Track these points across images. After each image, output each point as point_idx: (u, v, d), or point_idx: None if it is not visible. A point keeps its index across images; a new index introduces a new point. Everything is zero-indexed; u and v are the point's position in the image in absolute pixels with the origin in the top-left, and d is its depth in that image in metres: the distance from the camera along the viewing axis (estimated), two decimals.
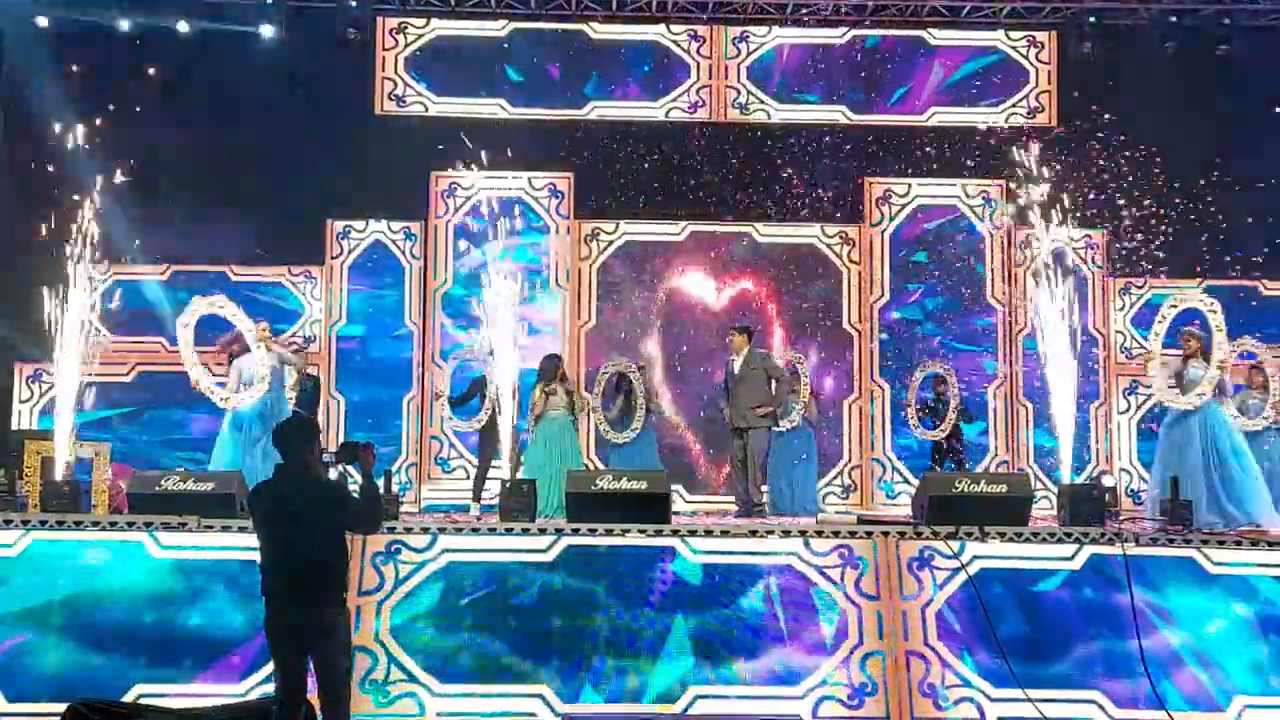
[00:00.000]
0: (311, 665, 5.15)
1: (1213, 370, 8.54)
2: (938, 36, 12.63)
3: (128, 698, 6.53)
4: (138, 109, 11.93)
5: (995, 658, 6.77)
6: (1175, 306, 8.94)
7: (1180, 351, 8.90)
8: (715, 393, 10.45)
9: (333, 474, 8.37)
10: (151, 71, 12.10)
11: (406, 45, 12.45)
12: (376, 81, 12.40)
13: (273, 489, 5.27)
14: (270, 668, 6.58)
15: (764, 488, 10.05)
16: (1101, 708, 6.64)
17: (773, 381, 9.79)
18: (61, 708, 6.18)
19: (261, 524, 5.24)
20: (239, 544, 6.99)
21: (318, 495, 5.20)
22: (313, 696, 5.31)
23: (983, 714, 6.66)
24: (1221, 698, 6.64)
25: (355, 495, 5.48)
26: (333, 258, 12.06)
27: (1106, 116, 12.02)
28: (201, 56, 12.17)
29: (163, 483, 7.62)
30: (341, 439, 11.22)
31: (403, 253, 12.13)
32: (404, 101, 12.42)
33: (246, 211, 12.00)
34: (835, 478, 11.94)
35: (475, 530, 7.35)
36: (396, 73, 12.43)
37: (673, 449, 11.65)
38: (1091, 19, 12.44)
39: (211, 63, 12.15)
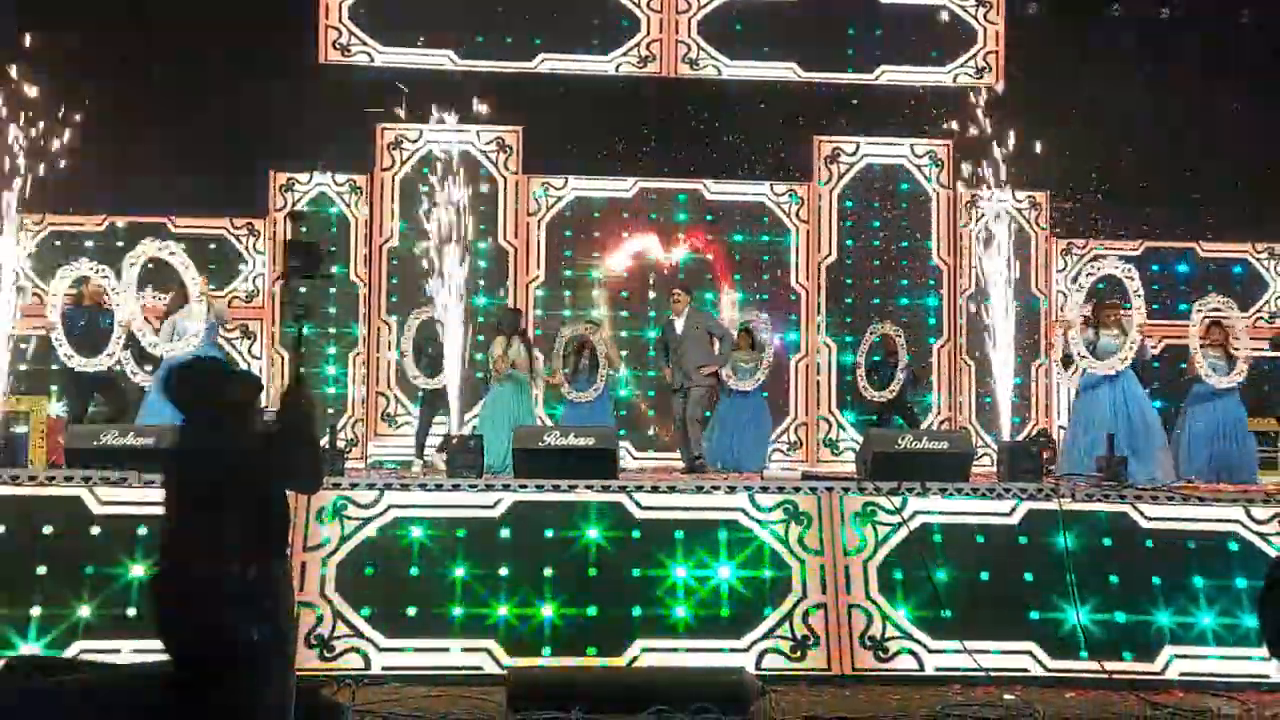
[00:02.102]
0: None
1: (1134, 334, 8.78)
2: None
3: (68, 652, 6.46)
4: (73, 52, 11.59)
5: (934, 610, 6.91)
6: (1093, 274, 9.18)
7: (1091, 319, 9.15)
8: (656, 351, 10.47)
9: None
10: (89, 15, 11.74)
11: None
12: (320, 30, 12.14)
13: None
14: None
15: (703, 443, 10.12)
16: (1036, 659, 6.81)
17: (716, 341, 9.87)
18: None
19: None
20: None
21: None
22: None
23: (921, 665, 6.80)
24: (1152, 647, 6.84)
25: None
26: (276, 210, 11.85)
27: (1051, 77, 12.13)
28: (141, 1, 11.82)
29: (101, 437, 7.51)
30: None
31: (348, 205, 11.95)
32: (348, 51, 12.18)
33: (187, 162, 11.71)
34: (781, 434, 12.05)
35: (422, 486, 7.34)
36: (340, 21, 12.18)
37: (620, 406, 11.68)
38: None
39: (151, 7, 11.80)
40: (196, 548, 4.10)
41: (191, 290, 8.79)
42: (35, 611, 6.62)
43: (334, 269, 4.60)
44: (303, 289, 4.67)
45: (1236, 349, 9.39)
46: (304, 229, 4.71)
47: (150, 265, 9.25)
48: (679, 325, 9.83)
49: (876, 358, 11.41)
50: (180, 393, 4.37)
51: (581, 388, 10.12)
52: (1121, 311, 9.12)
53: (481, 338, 11.43)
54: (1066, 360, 9.36)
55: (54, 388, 10.86)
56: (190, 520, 4.31)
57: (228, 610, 4.09)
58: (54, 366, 11.08)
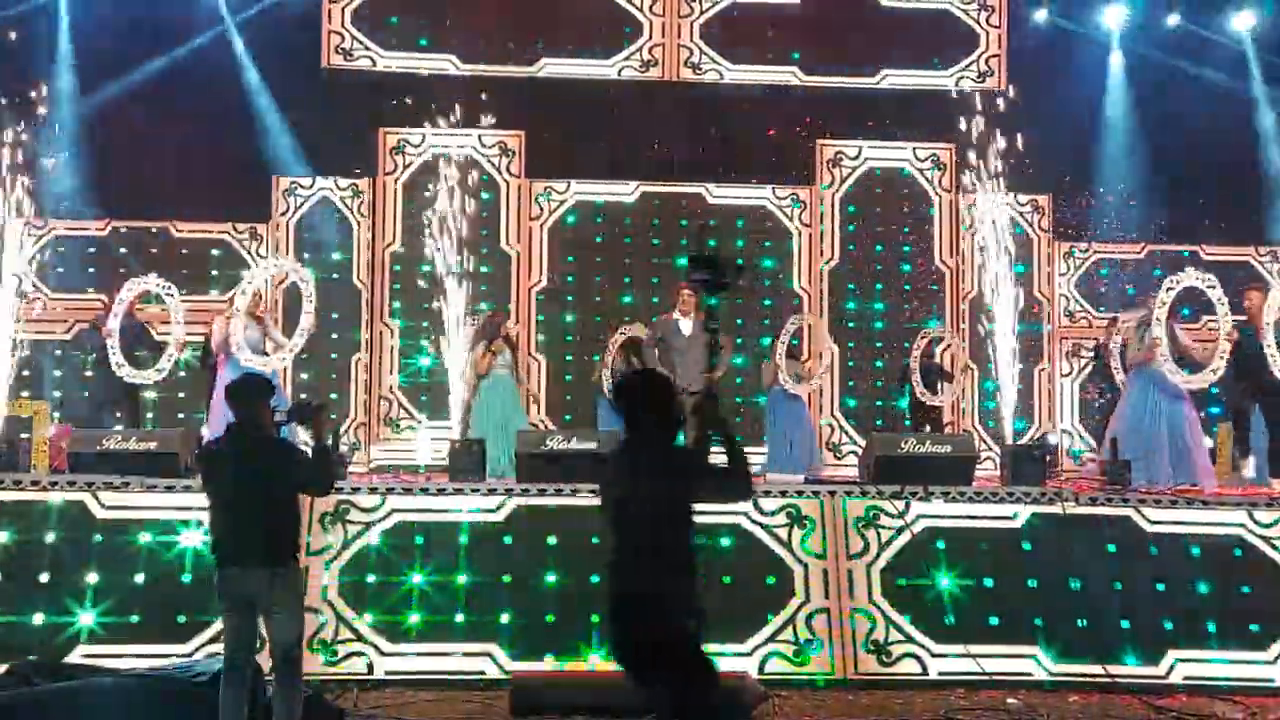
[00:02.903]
0: (263, 627, 5.06)
1: (1223, 343, 8.54)
2: None
3: (71, 657, 6.46)
4: (79, 59, 11.67)
5: (937, 614, 6.90)
6: (1173, 287, 8.68)
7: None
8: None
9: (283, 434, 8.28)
10: (95, 24, 11.79)
11: None
12: (323, 35, 12.15)
13: (223, 448, 5.20)
14: (216, 628, 6.57)
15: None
16: (1040, 662, 6.80)
17: (720, 348, 9.77)
18: None
19: (210, 483, 5.17)
20: (182, 504, 6.94)
21: (269, 455, 5.11)
22: (261, 658, 5.28)
23: (925, 669, 6.79)
24: (1156, 652, 6.83)
25: (306, 455, 5.37)
26: (280, 214, 11.87)
27: (1054, 81, 12.13)
28: (146, 7, 11.84)
29: (105, 441, 7.52)
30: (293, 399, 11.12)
31: (350, 210, 11.96)
32: (351, 56, 12.19)
33: (190, 167, 11.74)
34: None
35: (424, 490, 7.34)
36: (344, 26, 12.19)
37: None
38: None
39: (156, 14, 11.84)
40: (647, 564, 4.06)
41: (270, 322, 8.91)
42: (38, 617, 6.63)
43: (741, 280, 4.63)
44: (713, 301, 4.64)
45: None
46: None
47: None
48: (686, 326, 9.40)
49: (933, 358, 11.28)
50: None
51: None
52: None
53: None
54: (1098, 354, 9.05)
55: (56, 394, 10.87)
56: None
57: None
58: (56, 372, 11.15)
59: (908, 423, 11.40)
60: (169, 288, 8.97)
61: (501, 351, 9.58)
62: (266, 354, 8.82)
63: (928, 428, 10.66)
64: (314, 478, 5.29)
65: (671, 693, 3.95)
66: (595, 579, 6.88)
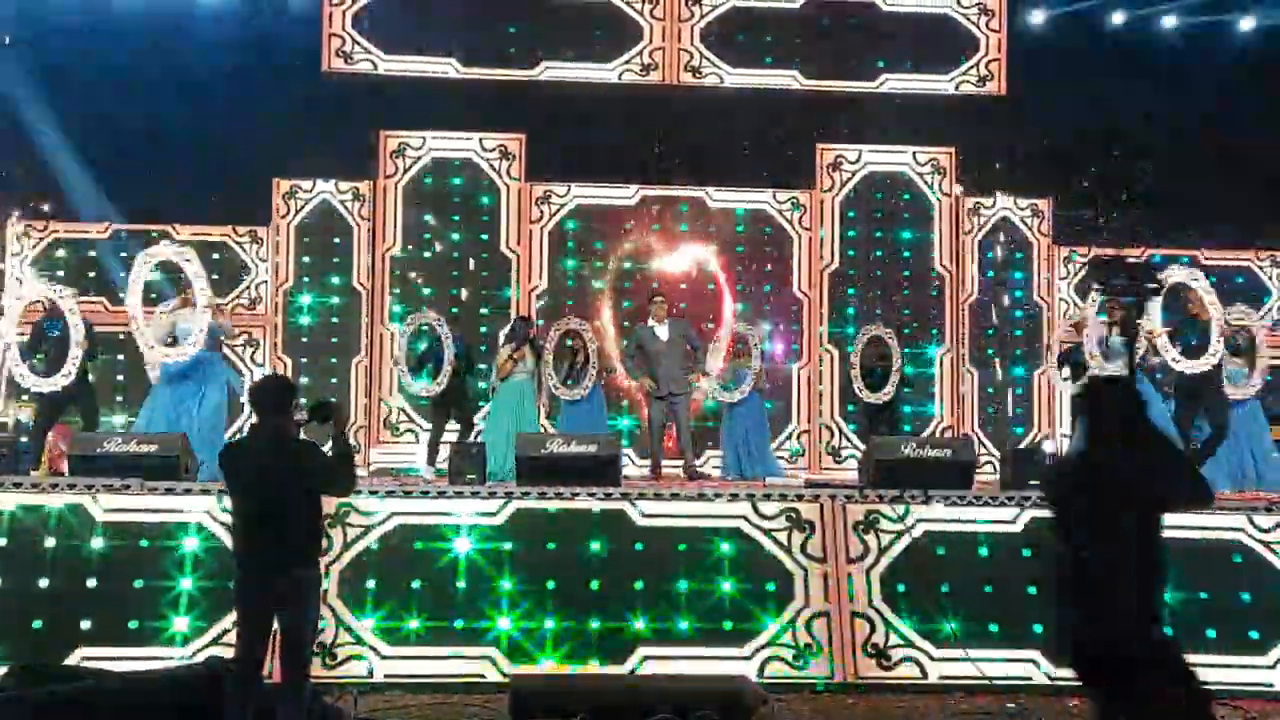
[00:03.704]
0: (277, 628, 5.00)
1: (1214, 331, 8.66)
2: (890, 3, 12.61)
3: (69, 660, 6.46)
4: (82, 65, 11.70)
5: (937, 618, 6.90)
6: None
7: (1106, 319, 9.06)
8: (628, 359, 10.35)
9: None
10: (95, 25, 11.82)
11: (354, 1, 12.21)
12: (324, 37, 12.17)
13: (246, 448, 5.18)
14: (215, 632, 6.58)
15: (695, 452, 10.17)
16: (1039, 667, 6.80)
17: (695, 350, 10.03)
18: None
19: (234, 483, 5.15)
20: (182, 506, 6.94)
21: (291, 456, 5.09)
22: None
23: (925, 673, 6.80)
24: None
25: (327, 456, 5.31)
26: (280, 217, 11.88)
27: (1054, 85, 12.14)
28: (146, 10, 11.86)
29: (105, 444, 7.52)
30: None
31: (350, 213, 11.97)
32: (352, 59, 12.20)
33: (191, 170, 11.76)
34: (784, 442, 12.03)
35: (424, 494, 7.34)
36: (344, 29, 12.20)
37: (616, 410, 11.67)
38: None
39: (156, 18, 11.85)
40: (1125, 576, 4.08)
41: (199, 300, 8.73)
42: (38, 620, 6.63)
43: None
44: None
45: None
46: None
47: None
48: (662, 332, 9.95)
49: (873, 358, 11.24)
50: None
51: (571, 386, 10.01)
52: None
53: (484, 348, 11.47)
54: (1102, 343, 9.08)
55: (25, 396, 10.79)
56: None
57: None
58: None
59: (853, 426, 11.52)
60: (186, 254, 8.93)
61: (524, 359, 9.61)
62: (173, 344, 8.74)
63: (883, 429, 10.62)
64: (336, 478, 5.28)
65: (1153, 708, 3.97)
66: (595, 584, 6.93)
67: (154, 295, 9.65)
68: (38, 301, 9.37)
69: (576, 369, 10.07)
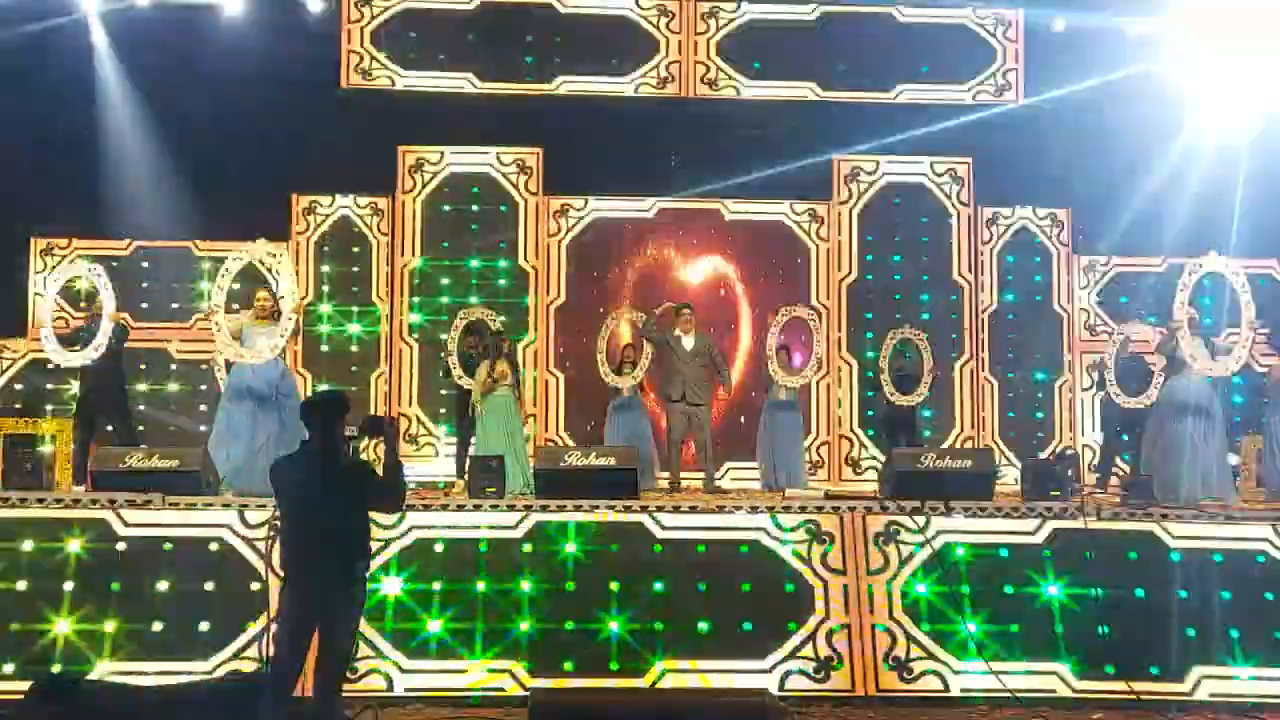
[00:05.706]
0: (316, 640, 5.01)
1: (1245, 329, 8.58)
2: (906, 14, 12.61)
3: (93, 675, 6.49)
4: (101, 80, 11.82)
5: (959, 630, 6.86)
6: (1194, 273, 8.69)
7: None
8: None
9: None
10: (115, 42, 11.94)
11: (373, 18, 12.30)
12: (342, 54, 12.24)
13: (296, 463, 5.17)
14: (236, 646, 6.60)
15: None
16: (1063, 679, 6.75)
17: (718, 370, 10.07)
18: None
19: (284, 499, 5.15)
20: (204, 521, 6.97)
21: (342, 472, 5.10)
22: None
23: (947, 686, 6.75)
24: (1180, 668, 6.77)
25: (377, 474, 5.31)
26: (299, 233, 11.94)
27: (1072, 93, 12.09)
28: (165, 28, 11.97)
29: (127, 459, 7.57)
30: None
31: (370, 228, 12.03)
32: (370, 75, 12.28)
33: (211, 186, 11.82)
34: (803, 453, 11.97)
35: (444, 507, 7.35)
36: (362, 45, 12.28)
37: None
38: None
39: (175, 34, 11.95)
40: None
41: (285, 306, 8.52)
42: (62, 633, 6.67)
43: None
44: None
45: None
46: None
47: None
48: (688, 343, 9.97)
49: (904, 361, 11.14)
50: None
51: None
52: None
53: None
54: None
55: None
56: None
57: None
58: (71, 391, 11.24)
59: (871, 431, 11.47)
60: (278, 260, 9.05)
61: (505, 377, 9.53)
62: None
63: (902, 438, 10.54)
64: (385, 496, 5.29)
65: None
66: (614, 597, 6.91)
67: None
68: (76, 277, 9.65)
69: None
